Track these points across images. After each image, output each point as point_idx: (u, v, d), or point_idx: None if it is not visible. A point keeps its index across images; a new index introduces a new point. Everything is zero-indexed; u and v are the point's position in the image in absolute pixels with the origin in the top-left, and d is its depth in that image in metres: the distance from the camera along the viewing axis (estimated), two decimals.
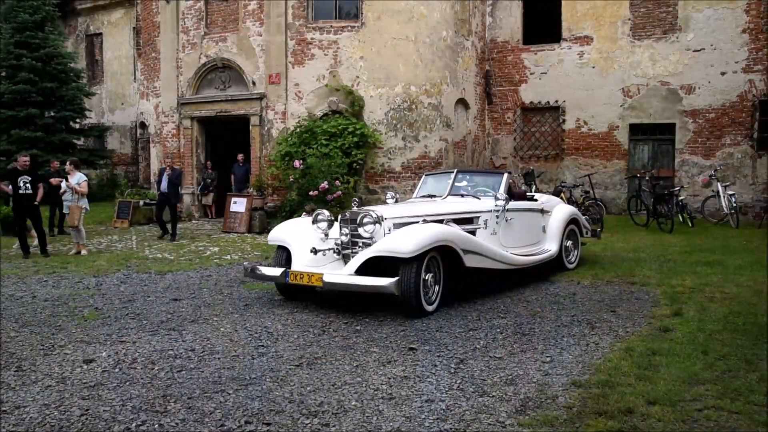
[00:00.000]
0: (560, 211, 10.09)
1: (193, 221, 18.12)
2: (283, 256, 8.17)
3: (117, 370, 5.35)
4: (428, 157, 17.11)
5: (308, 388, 4.88)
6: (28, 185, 11.82)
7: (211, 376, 5.14)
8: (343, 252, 7.70)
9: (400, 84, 16.79)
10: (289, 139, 16.38)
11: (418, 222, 7.59)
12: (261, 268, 8.12)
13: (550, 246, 9.54)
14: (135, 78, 23.95)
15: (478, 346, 5.95)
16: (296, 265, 7.70)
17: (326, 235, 8.06)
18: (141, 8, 20.82)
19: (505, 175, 9.39)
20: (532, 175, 17.30)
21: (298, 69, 16.89)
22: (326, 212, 8.24)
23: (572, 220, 10.17)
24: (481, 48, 19.45)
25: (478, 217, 8.59)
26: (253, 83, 17.33)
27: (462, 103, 18.45)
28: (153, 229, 16.19)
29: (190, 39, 18.23)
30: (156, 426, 4.21)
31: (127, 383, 5.00)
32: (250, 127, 17.67)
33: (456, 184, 9.43)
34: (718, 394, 4.62)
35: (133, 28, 23.42)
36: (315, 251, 7.77)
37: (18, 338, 6.38)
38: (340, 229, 7.76)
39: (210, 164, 18.64)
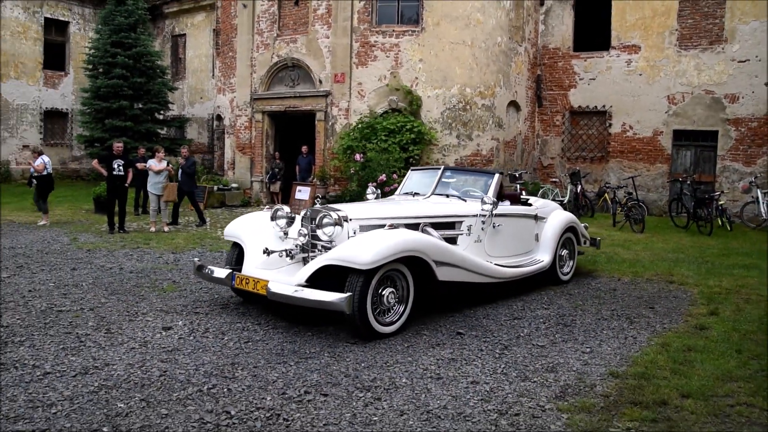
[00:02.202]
0: (556, 218, 8.52)
1: (262, 207, 18.38)
2: (235, 254, 6.85)
3: (191, 338, 5.49)
4: (480, 155, 16.99)
5: (362, 365, 4.93)
6: (120, 168, 12.35)
7: (275, 349, 5.24)
8: (303, 255, 6.20)
9: (456, 85, 16.68)
10: (351, 134, 16.48)
11: (392, 225, 6.15)
12: (211, 267, 6.64)
13: (543, 256, 8.07)
14: (213, 75, 24.38)
15: (521, 334, 5.90)
16: (246, 267, 6.33)
17: (285, 234, 6.63)
18: (221, 12, 21.15)
19: (496, 175, 7.80)
20: (578, 175, 16.98)
21: (361, 69, 16.94)
22: (286, 208, 6.79)
23: (569, 228, 8.60)
24: (534, 53, 19.14)
25: (461, 221, 7.14)
26: (320, 81, 17.46)
27: (513, 105, 18.22)
28: (225, 212, 16.49)
29: (264, 40, 18.45)
30: (225, 390, 4.31)
31: (200, 350, 5.14)
32: (316, 122, 17.81)
33: (444, 181, 7.98)
34: (750, 392, 4.49)
35: (213, 29, 23.82)
36: (267, 252, 6.27)
37: (108, 304, 6.61)
38: (300, 229, 6.28)
39: (278, 155, 18.87)
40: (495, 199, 7.29)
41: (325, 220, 6.05)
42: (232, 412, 3.94)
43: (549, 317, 6.55)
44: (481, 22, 16.79)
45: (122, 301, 6.76)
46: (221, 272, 6.37)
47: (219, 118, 22.23)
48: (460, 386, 4.53)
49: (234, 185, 18.94)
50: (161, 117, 24.10)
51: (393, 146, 15.69)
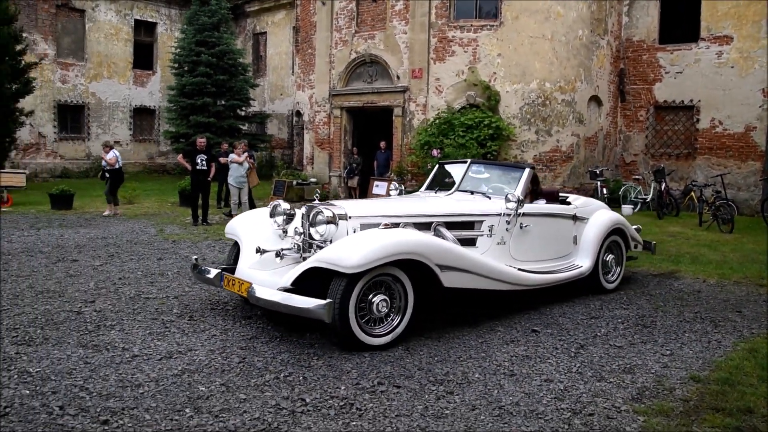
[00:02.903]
0: (600, 218, 7.65)
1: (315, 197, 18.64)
2: (234, 253, 6.41)
3: (269, 327, 5.67)
4: (560, 151, 16.68)
5: (436, 359, 4.97)
6: (204, 162, 12.86)
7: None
8: (297, 255, 5.69)
9: (535, 80, 16.42)
10: (429, 129, 16.50)
11: (398, 224, 5.78)
12: (207, 266, 6.21)
13: (582, 261, 7.29)
14: (293, 71, 24.88)
15: (598, 334, 5.79)
16: (240, 267, 5.91)
17: (285, 231, 6.14)
18: (300, 10, 21.56)
19: (527, 170, 7.09)
20: (663, 173, 16.40)
21: (439, 65, 16.92)
22: (285, 204, 6.25)
23: (615, 230, 7.73)
24: (616, 47, 18.59)
25: (482, 221, 6.49)
26: (398, 77, 17.55)
27: (595, 99, 17.77)
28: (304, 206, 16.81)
29: (342, 37, 18.69)
30: (301, 378, 4.45)
31: (278, 339, 5.30)
32: (393, 117, 17.93)
33: (471, 176, 7.34)
34: None
35: (293, 27, 24.31)
36: (260, 251, 5.86)
37: (191, 293, 6.92)
38: (296, 227, 5.85)
39: (356, 150, 19.10)
40: (521, 197, 6.61)
41: (319, 218, 5.55)
42: (307, 400, 4.07)
43: (628, 317, 6.40)
44: (561, 15, 16.46)
45: (204, 290, 7.04)
46: (213, 272, 5.90)
47: (298, 114, 22.70)
48: (533, 384, 4.50)
49: (312, 180, 19.30)
50: (243, 113, 24.80)
51: (470, 142, 15.61)
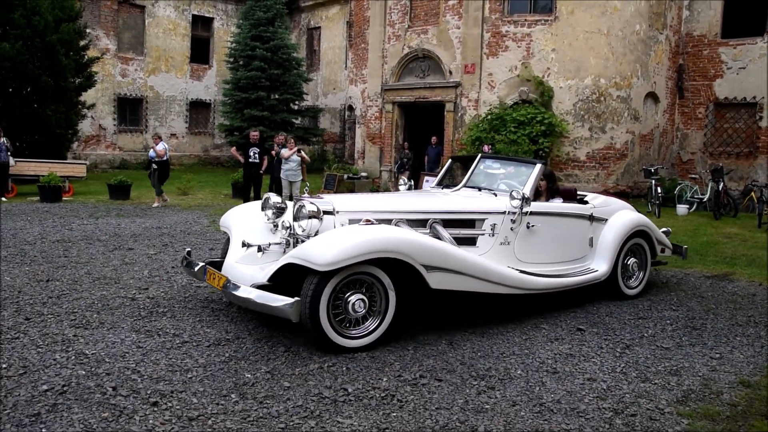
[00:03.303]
0: (620, 219, 7.10)
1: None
2: (227, 246, 6.15)
3: None
4: (614, 149, 16.40)
5: (478, 354, 4.99)
6: (256, 155, 13.16)
7: (392, 334, 5.39)
8: (287, 250, 5.51)
9: (589, 76, 16.18)
10: (480, 125, 16.45)
11: (390, 220, 5.56)
12: (196, 260, 5.94)
13: (598, 264, 6.80)
14: (346, 66, 25.08)
15: (645, 335, 5.71)
16: (227, 260, 5.75)
17: (276, 225, 5.91)
18: (354, 4, 21.71)
19: (537, 166, 6.64)
20: (721, 172, 15.92)
21: (491, 60, 16.83)
22: (275, 197, 6.01)
23: (638, 233, 7.17)
24: (676, 42, 18.12)
25: (483, 219, 6.12)
26: (450, 72, 17.52)
27: (652, 96, 17.39)
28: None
29: (395, 31, 18.76)
30: (344, 368, 4.54)
31: None
32: (445, 112, 17.93)
33: (482, 171, 6.99)
34: None
35: (347, 22, 24.51)
36: (246, 245, 5.70)
37: None
38: (283, 221, 5.73)
39: (407, 145, 19.16)
40: (526, 194, 6.18)
41: (302, 212, 5.31)
42: (350, 390, 4.15)
43: (677, 319, 6.28)
44: (618, 10, 16.15)
45: None
46: (198, 265, 5.65)
47: (350, 108, 22.88)
48: (575, 382, 4.49)
49: (363, 174, 19.44)
50: (296, 107, 25.11)
51: (522, 138, 15.50)
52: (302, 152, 13.89)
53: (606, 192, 16.02)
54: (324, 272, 4.66)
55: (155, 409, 3.75)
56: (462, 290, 5.41)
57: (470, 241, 6.01)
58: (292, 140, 14.21)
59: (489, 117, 16.37)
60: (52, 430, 3.45)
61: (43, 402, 3.78)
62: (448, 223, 5.91)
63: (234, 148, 14.63)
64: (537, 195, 6.74)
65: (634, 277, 7.19)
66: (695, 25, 18.11)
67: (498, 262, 5.93)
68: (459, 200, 6.47)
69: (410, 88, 18.60)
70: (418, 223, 5.75)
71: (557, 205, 6.80)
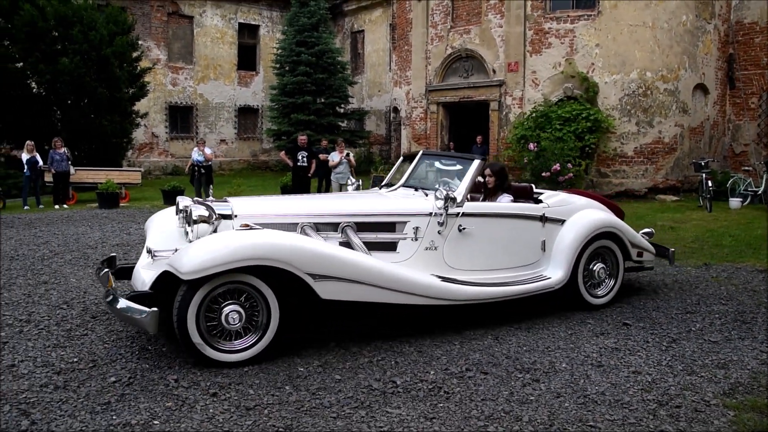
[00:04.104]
0: (580, 220, 6.29)
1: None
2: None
3: (365, 316, 5.94)
4: (662, 143, 16.17)
5: (524, 348, 5.09)
6: (304, 159, 13.46)
7: (439, 329, 5.53)
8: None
9: (635, 70, 16.00)
10: (525, 123, 16.43)
11: (296, 224, 5.21)
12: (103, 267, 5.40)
13: (553, 271, 6.08)
14: (390, 68, 25.28)
15: (693, 329, 5.70)
16: (136, 266, 5.48)
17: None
18: (396, 7, 21.89)
19: (475, 162, 5.97)
20: None
21: (535, 57, 16.79)
22: (185, 200, 5.48)
23: (605, 234, 6.36)
24: (725, 31, 17.73)
25: (405, 222, 5.55)
26: (493, 71, 17.55)
27: (701, 88, 17.06)
28: None
29: (438, 32, 18.87)
30: (393, 362, 4.70)
31: (372, 327, 5.55)
32: (490, 111, 17.96)
33: (423, 169, 6.49)
34: None
35: (390, 24, 24.70)
36: (150, 252, 5.41)
37: None
38: (185, 226, 5.31)
39: (452, 145, 19.23)
40: (452, 194, 5.52)
41: (194, 217, 5.02)
42: (398, 382, 4.31)
43: (726, 313, 6.24)
44: (663, 1, 15.93)
45: None
46: (102, 271, 5.18)
47: (396, 110, 23.06)
48: (620, 375, 4.54)
49: None
50: (342, 110, 25.43)
51: (568, 135, 15.43)
52: (350, 155, 14.13)
53: (655, 188, 15.84)
54: (192, 281, 4.35)
55: (215, 399, 3.99)
56: (363, 301, 4.93)
57: (390, 247, 5.49)
58: (342, 143, 14.49)
59: (534, 115, 16.34)
60: (121, 417, 3.72)
61: (112, 392, 4.06)
62: (364, 227, 5.42)
63: (283, 152, 14.99)
64: (487, 193, 6.33)
65: (603, 285, 6.42)
66: (745, 13, 17.67)
67: (423, 269, 5.41)
68: (377, 201, 5.94)
69: (454, 88, 18.69)
70: (330, 227, 5.33)
71: (498, 205, 6.13)
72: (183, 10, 26.69)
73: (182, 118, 27.26)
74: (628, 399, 4.13)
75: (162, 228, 5.76)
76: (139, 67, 20.88)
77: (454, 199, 5.52)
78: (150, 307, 4.32)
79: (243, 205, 5.33)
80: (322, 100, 23.97)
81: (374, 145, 27.11)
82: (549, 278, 6.01)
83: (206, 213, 5.03)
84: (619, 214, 7.05)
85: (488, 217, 5.88)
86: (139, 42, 21.98)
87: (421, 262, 5.49)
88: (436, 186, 5.85)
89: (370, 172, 20.04)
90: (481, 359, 4.82)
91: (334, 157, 13.84)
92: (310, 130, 22.12)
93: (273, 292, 4.58)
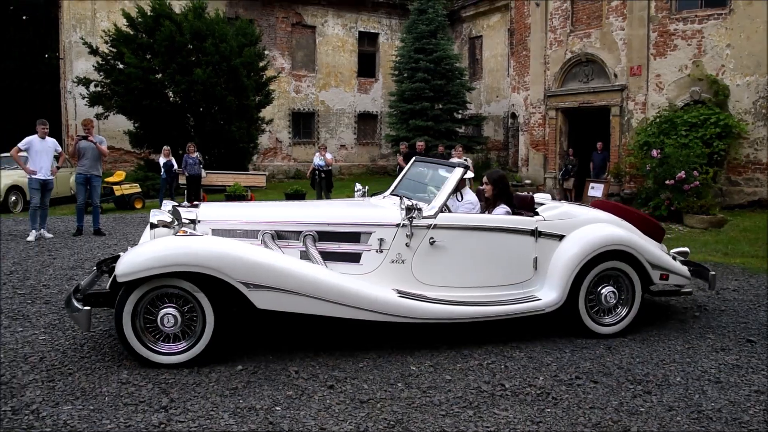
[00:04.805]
0: (583, 235, 5.61)
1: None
2: None
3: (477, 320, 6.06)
4: None
5: (637, 360, 5.03)
6: None
7: (550, 337, 5.56)
8: None
9: None
10: (648, 129, 15.85)
11: (257, 231, 5.16)
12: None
13: (546, 293, 5.49)
14: (508, 74, 25.10)
15: None
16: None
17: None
18: (514, 12, 21.75)
19: (456, 171, 5.66)
20: None
21: (659, 60, 16.19)
22: (169, 206, 5.59)
23: (614, 254, 5.59)
24: None
25: (370, 233, 5.28)
26: (615, 75, 17.07)
27: None
28: None
29: (557, 37, 18.59)
30: (502, 366, 4.81)
31: (483, 331, 5.65)
32: (610, 117, 17.48)
33: (414, 178, 6.30)
34: None
35: (508, 29, 24.53)
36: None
37: None
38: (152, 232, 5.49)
39: (571, 151, 18.87)
40: (417, 204, 5.25)
41: (155, 221, 5.19)
42: (507, 386, 4.41)
43: None
44: None
45: None
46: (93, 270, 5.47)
47: (513, 116, 22.91)
48: (740, 393, 4.40)
49: (527, 181, 19.41)
50: (459, 116, 25.51)
51: (694, 141, 14.74)
52: (468, 163, 14.20)
53: None
54: (127, 283, 4.44)
55: (331, 391, 4.27)
56: (306, 314, 4.77)
57: (354, 258, 5.26)
58: (461, 148, 14.62)
59: (657, 120, 15.73)
60: (247, 402, 4.08)
61: (239, 379, 4.44)
62: (327, 236, 5.25)
63: (401, 157, 15.33)
64: (487, 203, 5.96)
65: (614, 312, 5.69)
66: None
67: (389, 283, 5.16)
68: (343, 211, 5.82)
69: (573, 94, 18.34)
70: (293, 236, 5.22)
71: (477, 216, 5.68)
72: (306, 20, 27.80)
73: (304, 124, 28.38)
74: (747, 419, 4.01)
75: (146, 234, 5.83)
76: (265, 76, 21.95)
77: (420, 210, 5.23)
78: (84, 306, 4.53)
79: (209, 212, 5.41)
80: (440, 106, 24.16)
81: (492, 151, 26.99)
82: (539, 300, 5.45)
83: (168, 218, 5.15)
84: (658, 233, 6.37)
85: (466, 230, 5.44)
86: (266, 52, 23.10)
87: (387, 275, 5.21)
88: (426, 193, 5.72)
89: None
90: (591, 368, 4.81)
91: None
92: (428, 135, 22.35)
93: (209, 299, 4.57)
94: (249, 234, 5.16)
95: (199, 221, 5.20)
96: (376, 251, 5.26)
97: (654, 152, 14.77)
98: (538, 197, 6.55)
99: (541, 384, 4.47)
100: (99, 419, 3.78)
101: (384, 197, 6.29)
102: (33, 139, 10.63)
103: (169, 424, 3.74)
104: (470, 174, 5.94)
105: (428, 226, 5.29)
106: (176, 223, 5.16)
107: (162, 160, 16.74)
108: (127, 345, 4.53)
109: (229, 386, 4.31)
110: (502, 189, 5.89)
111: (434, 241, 5.29)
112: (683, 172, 14.10)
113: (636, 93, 16.65)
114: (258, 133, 22.35)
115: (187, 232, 4.88)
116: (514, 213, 5.78)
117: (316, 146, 27.76)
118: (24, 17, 34.03)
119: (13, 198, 15.32)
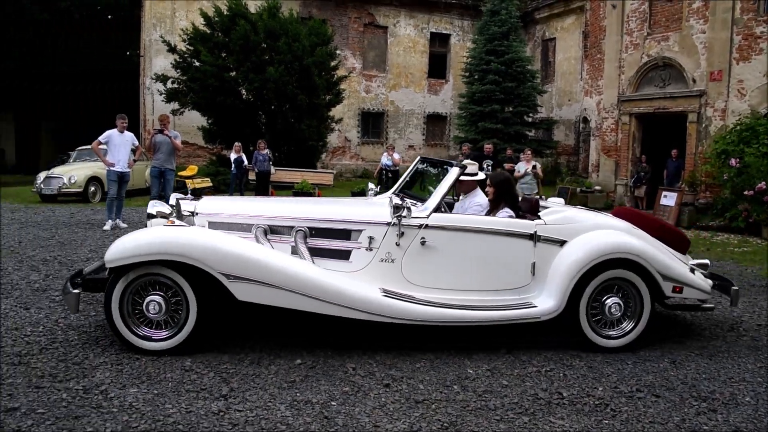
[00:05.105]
0: (586, 242, 5.35)
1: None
2: None
3: (535, 326, 5.98)
4: None
5: (703, 376, 4.86)
6: (489, 168, 13.61)
7: (608, 351, 5.43)
8: None
9: None
10: (728, 137, 15.21)
11: (251, 225, 5.25)
12: None
13: (543, 299, 5.29)
14: (581, 77, 24.59)
15: None
16: None
17: None
18: (590, 14, 21.31)
19: (452, 170, 5.55)
20: None
21: (742, 65, 15.53)
22: (159, 205, 5.74)
23: (621, 263, 5.30)
24: None
25: (360, 231, 5.29)
26: (693, 81, 16.50)
27: None
28: None
29: (633, 40, 18.11)
30: (561, 374, 4.74)
31: (542, 337, 5.59)
32: (687, 123, 16.91)
33: (419, 178, 6.31)
34: None
35: (582, 32, 24.03)
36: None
37: None
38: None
39: (644, 158, 18.36)
40: (404, 204, 5.23)
41: (153, 212, 5.45)
42: (564, 394, 4.34)
43: None
44: None
45: None
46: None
47: (585, 120, 22.44)
48: None
49: (597, 188, 19.01)
50: (530, 119, 25.14)
51: None
52: (537, 167, 13.99)
53: None
54: (116, 269, 4.63)
55: (387, 389, 4.31)
56: (284, 307, 4.81)
57: (343, 255, 5.29)
58: (530, 151, 14.42)
59: (738, 128, 15.07)
60: (304, 395, 4.16)
61: (297, 373, 4.54)
62: (318, 233, 5.30)
63: (468, 159, 15.25)
64: (492, 206, 5.82)
65: (621, 325, 5.41)
66: None
67: (377, 281, 5.14)
68: (335, 208, 5.80)
69: (649, 99, 17.82)
70: (286, 231, 5.30)
71: (474, 218, 5.52)
72: (378, 20, 28.00)
73: (373, 124, 28.60)
74: None
75: None
76: (336, 75, 22.23)
77: (409, 209, 5.18)
78: (74, 289, 4.72)
79: (207, 205, 5.53)
80: (510, 109, 23.87)
81: (562, 155, 26.51)
82: (535, 307, 5.25)
83: (166, 210, 5.38)
84: (681, 243, 6.04)
85: (459, 231, 5.32)
86: (337, 52, 23.40)
87: (376, 274, 5.20)
88: (391, 195, 5.76)
89: (557, 183, 19.71)
90: (654, 381, 4.69)
91: (520, 168, 13.79)
92: (497, 138, 22.14)
93: (192, 288, 4.69)
94: (243, 227, 5.27)
95: (196, 213, 5.35)
96: (366, 249, 5.26)
97: (732, 161, 14.21)
98: (551, 201, 6.53)
99: (600, 394, 4.38)
100: (162, 403, 3.93)
101: (388, 195, 6.31)
102: (112, 132, 11.12)
103: (228, 412, 3.86)
104: (480, 176, 5.98)
105: (419, 226, 5.23)
106: (173, 214, 5.35)
107: (233, 156, 17.19)
108: (114, 329, 4.71)
109: (287, 379, 4.41)
110: (505, 192, 5.79)
111: (425, 242, 5.24)
112: (764, 182, 13.50)
113: (716, 99, 16.04)
114: (327, 132, 22.66)
115: (174, 222, 5.04)
116: (518, 216, 5.64)
117: (384, 146, 28.00)
118: (109, 17, 35.60)
119: (92, 188, 16.07)
